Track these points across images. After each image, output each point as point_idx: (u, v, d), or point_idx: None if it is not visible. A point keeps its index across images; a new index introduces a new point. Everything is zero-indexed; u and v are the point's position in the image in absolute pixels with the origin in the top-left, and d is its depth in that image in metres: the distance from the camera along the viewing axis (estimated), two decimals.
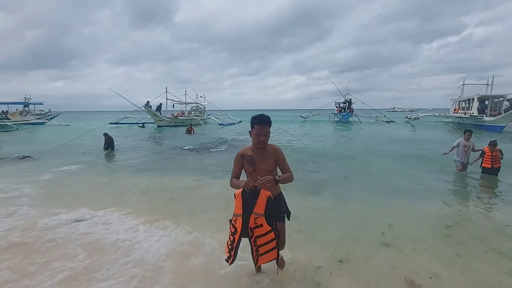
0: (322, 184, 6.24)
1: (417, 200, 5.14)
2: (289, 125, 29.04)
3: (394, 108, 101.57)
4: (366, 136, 16.96)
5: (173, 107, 29.68)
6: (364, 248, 3.25)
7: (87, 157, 10.01)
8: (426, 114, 33.57)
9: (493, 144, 6.60)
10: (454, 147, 7.25)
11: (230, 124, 28.05)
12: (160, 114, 25.90)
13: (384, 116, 31.48)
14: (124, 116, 28.34)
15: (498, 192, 5.76)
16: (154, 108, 25.33)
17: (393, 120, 30.26)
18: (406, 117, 33.07)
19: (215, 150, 11.75)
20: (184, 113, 31.48)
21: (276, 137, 16.79)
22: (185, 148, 12.21)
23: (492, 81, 26.11)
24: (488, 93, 25.14)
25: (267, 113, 2.24)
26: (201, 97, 37.84)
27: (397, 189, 5.86)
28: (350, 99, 31.93)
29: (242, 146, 3.78)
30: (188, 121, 27.44)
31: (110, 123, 25.50)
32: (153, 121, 25.85)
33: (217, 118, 30.29)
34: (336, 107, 33.69)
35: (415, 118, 30.49)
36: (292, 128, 25.42)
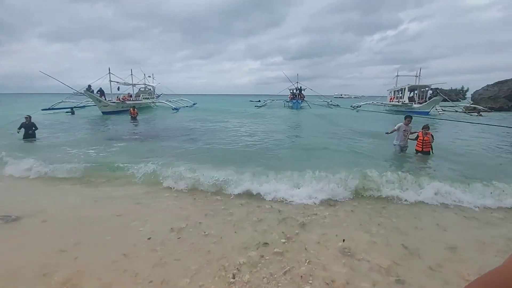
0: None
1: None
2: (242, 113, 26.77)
3: (341, 95, 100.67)
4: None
5: (118, 89, 27.01)
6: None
7: None
8: (367, 103, 33.48)
9: (425, 127, 7.34)
10: (395, 130, 7.90)
11: (185, 106, 29.07)
12: (105, 99, 23.32)
13: (330, 101, 34.94)
14: (60, 101, 26.16)
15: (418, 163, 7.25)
16: (95, 92, 22.96)
17: (338, 104, 32.86)
18: (351, 106, 31.97)
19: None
20: (132, 96, 28.99)
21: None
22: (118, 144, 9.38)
23: (420, 72, 30.70)
24: (417, 84, 29.59)
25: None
26: (149, 77, 33.01)
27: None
28: (301, 86, 33.45)
29: (203, 132, 9.56)
30: (139, 104, 26.58)
31: (43, 110, 22.97)
32: (96, 106, 22.97)
33: (169, 101, 29.48)
34: (290, 93, 34.15)
35: (357, 107, 31.45)
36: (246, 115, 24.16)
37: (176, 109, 25.32)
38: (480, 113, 24.70)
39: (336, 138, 11.48)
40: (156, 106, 29.88)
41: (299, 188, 5.04)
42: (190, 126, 14.45)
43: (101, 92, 23.58)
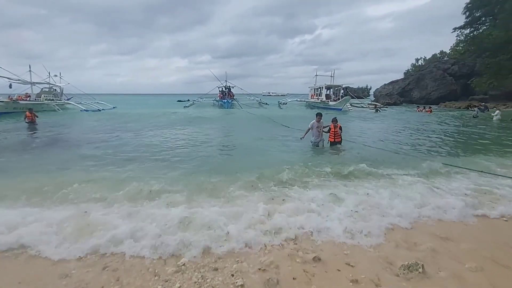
0: None
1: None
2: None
3: (269, 93, 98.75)
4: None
5: (10, 87, 23.42)
6: None
7: None
8: (292, 100, 37.24)
9: (334, 120, 8.24)
10: (309, 129, 8.38)
11: (99, 110, 24.54)
12: None
13: (260, 100, 35.92)
14: None
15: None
16: None
17: (267, 103, 33.92)
18: (278, 102, 34.53)
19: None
20: (29, 96, 24.17)
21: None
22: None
23: (334, 73, 34.40)
24: (332, 83, 33.01)
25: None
26: (55, 76, 29.65)
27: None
28: (229, 85, 33.10)
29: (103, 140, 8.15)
30: (37, 106, 21.77)
31: None
32: None
33: (80, 103, 25.49)
34: (219, 92, 34.17)
35: (284, 103, 33.61)
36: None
37: (86, 110, 22.46)
38: (377, 109, 27.38)
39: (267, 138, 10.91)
40: (61, 109, 24.57)
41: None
42: (103, 137, 10.87)
43: None
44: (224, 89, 33.47)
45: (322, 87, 32.75)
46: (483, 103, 24.72)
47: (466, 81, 35.70)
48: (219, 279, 2.52)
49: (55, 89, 28.54)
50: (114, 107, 27.63)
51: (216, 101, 34.10)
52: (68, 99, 28.87)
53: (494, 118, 17.05)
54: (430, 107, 26.31)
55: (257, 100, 35.35)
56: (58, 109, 23.95)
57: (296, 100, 37.48)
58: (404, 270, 2.61)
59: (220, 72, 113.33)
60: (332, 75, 34.72)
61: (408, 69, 53.96)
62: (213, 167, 6.22)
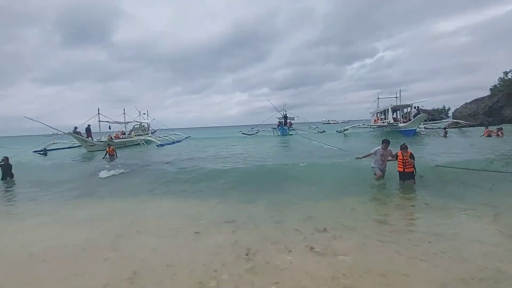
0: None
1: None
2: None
3: (328, 121, 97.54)
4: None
5: (109, 128, 26.81)
6: None
7: None
8: (352, 126, 33.83)
9: (403, 147, 6.94)
10: (370, 154, 7.58)
11: (173, 142, 27.30)
12: (91, 138, 23.36)
13: (317, 127, 35.16)
14: (52, 142, 25.01)
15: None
16: (83, 131, 23.33)
17: (324, 130, 33.13)
18: (336, 130, 32.18)
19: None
20: (124, 133, 28.74)
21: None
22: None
23: (400, 93, 31.10)
24: (399, 103, 30.07)
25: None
26: (144, 114, 33.30)
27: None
28: (286, 114, 33.47)
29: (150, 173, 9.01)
30: (129, 142, 26.04)
31: (36, 152, 22.28)
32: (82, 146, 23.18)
33: (159, 137, 29.60)
34: (278, 122, 34.00)
35: (344, 130, 32.15)
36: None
37: (162, 144, 24.99)
38: (446, 132, 23.38)
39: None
40: (144, 143, 27.72)
41: None
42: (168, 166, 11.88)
43: (87, 130, 23.42)
44: (281, 119, 33.95)
45: (388, 109, 29.72)
46: None
47: None
48: None
49: (144, 125, 32.99)
50: (188, 137, 31.78)
51: (274, 129, 35.12)
52: (153, 132, 33.79)
53: None
54: (501, 129, 20.11)
55: (315, 128, 35.01)
56: (143, 143, 28.16)
57: (358, 126, 34.50)
58: None
59: (278, 103, 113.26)
60: (398, 96, 31.58)
61: (495, 84, 46.53)
62: None
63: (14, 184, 10.12)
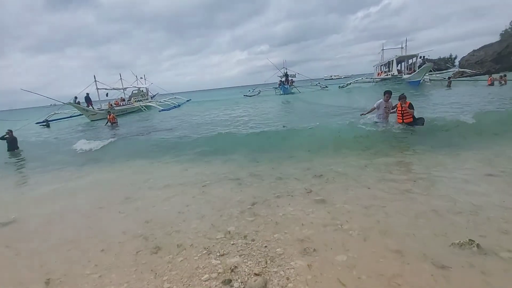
0: None
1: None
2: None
3: (331, 76, 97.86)
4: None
5: (107, 96, 26.81)
6: None
7: None
8: (355, 80, 33.38)
9: (401, 98, 6.80)
10: (374, 109, 7.45)
11: (174, 107, 27.32)
12: (92, 107, 23.34)
13: (319, 83, 34.25)
14: (53, 113, 25.07)
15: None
16: (82, 100, 23.16)
17: (327, 86, 32.44)
18: (338, 86, 31.75)
19: None
20: (124, 100, 28.63)
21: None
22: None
23: (406, 43, 30.82)
24: (404, 54, 29.87)
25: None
26: (141, 78, 32.39)
27: None
28: (287, 72, 32.55)
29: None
30: (130, 109, 26.31)
31: (37, 123, 22.21)
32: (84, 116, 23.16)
33: (160, 101, 29.29)
34: (279, 81, 33.12)
35: (347, 85, 31.47)
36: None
37: (164, 109, 24.88)
38: (450, 83, 22.32)
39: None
40: (145, 109, 27.77)
41: None
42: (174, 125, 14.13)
43: (87, 99, 23.25)
44: (281, 78, 33.21)
45: (393, 61, 29.58)
46: None
47: None
48: None
49: (142, 90, 32.92)
50: (188, 100, 31.52)
51: (276, 88, 34.37)
52: (153, 97, 33.54)
53: None
54: (505, 75, 18.93)
55: (319, 85, 34.12)
56: (144, 109, 27.96)
57: (361, 79, 34.35)
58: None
59: (279, 61, 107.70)
60: (403, 47, 31.11)
61: (506, 29, 43.78)
62: None
63: (21, 155, 10.23)
